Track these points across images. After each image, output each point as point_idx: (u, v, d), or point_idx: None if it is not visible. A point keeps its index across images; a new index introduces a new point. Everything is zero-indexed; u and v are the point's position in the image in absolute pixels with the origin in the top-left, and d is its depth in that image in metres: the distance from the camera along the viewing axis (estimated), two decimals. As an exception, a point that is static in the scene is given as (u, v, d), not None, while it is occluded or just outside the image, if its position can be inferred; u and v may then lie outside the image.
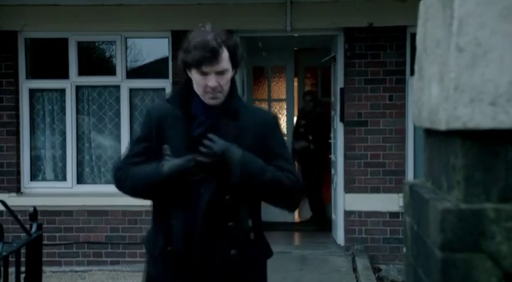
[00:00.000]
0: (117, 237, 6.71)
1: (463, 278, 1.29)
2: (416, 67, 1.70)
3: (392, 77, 6.59)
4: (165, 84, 6.86)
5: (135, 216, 6.70)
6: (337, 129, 6.90)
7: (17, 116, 6.85)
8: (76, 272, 6.60)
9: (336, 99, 7.01)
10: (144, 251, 6.55)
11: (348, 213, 6.68)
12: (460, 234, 1.30)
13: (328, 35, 6.98)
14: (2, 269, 2.15)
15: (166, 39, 6.85)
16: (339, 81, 6.84)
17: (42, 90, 7.00)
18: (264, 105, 8.74)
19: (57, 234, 6.67)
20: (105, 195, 6.77)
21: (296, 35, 6.85)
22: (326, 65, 7.74)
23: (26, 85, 6.91)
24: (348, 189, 6.68)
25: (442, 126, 1.35)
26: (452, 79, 1.31)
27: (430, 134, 1.60)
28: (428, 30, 1.56)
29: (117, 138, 6.97)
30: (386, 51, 6.59)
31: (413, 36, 6.45)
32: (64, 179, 6.98)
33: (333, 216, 7.27)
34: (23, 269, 2.62)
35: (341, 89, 6.76)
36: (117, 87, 6.93)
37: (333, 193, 7.28)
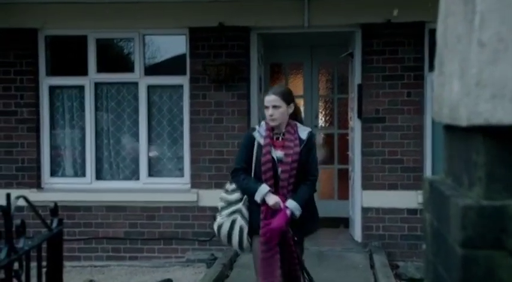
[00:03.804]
0: (136, 232, 6.77)
1: (484, 275, 1.28)
2: (436, 63, 1.68)
3: (410, 73, 6.54)
4: (183, 81, 6.88)
5: (153, 212, 6.74)
6: (355, 126, 6.87)
7: (37, 113, 6.93)
8: (95, 267, 6.66)
9: (353, 95, 6.98)
10: (162, 246, 6.60)
11: (365, 210, 6.66)
12: (481, 231, 1.29)
13: (345, 31, 6.95)
14: (24, 263, 2.17)
15: (184, 36, 6.87)
16: (356, 77, 6.82)
17: (62, 87, 7.07)
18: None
19: (77, 230, 6.74)
20: (124, 191, 6.84)
21: (313, 31, 6.83)
22: (343, 61, 7.71)
23: (46, 82, 6.99)
24: (366, 186, 6.65)
25: (463, 122, 1.34)
26: (474, 75, 1.30)
27: (451, 130, 1.59)
28: (449, 26, 1.54)
29: (135, 134, 7.01)
30: (405, 48, 6.55)
31: (431, 32, 6.40)
32: (83, 175, 7.04)
33: (350, 213, 7.25)
34: (44, 263, 2.65)
35: (359, 86, 6.73)
36: (135, 84, 6.97)
37: (351, 190, 7.26)
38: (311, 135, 4.03)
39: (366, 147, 6.66)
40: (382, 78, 6.58)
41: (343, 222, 7.61)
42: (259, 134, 4.00)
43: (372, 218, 6.63)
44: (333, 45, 7.96)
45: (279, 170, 3.89)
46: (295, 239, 3.94)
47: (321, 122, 8.83)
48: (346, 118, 8.15)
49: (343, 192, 8.14)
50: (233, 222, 3.99)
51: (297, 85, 8.72)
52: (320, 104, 8.84)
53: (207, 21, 6.65)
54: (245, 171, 4.01)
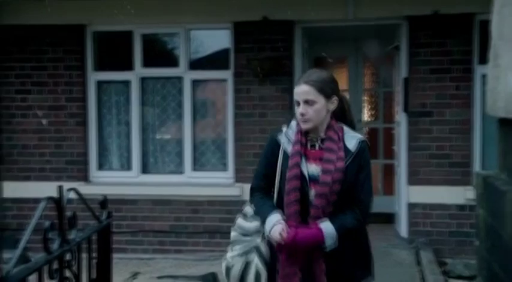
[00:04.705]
0: (181, 226, 6.84)
1: (542, 274, 1.24)
2: (491, 55, 1.63)
3: (459, 66, 6.39)
4: (227, 76, 6.91)
5: (197, 206, 6.80)
6: (401, 120, 6.76)
7: (85, 107, 7.08)
8: (141, 259, 6.76)
9: (399, 89, 6.87)
10: (206, 240, 6.62)
11: (411, 206, 6.55)
12: (539, 228, 1.24)
13: (391, 24, 6.84)
14: (76, 254, 2.23)
15: (228, 31, 6.89)
16: (402, 71, 6.70)
17: (109, 82, 7.19)
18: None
19: (124, 222, 6.86)
20: (169, 185, 6.92)
21: (358, 24, 6.74)
22: (388, 54, 7.60)
23: (94, 77, 7.12)
24: (412, 181, 6.54)
25: (521, 115, 1.29)
26: (532, 66, 1.25)
27: (506, 123, 1.54)
28: (504, 17, 1.49)
29: (180, 129, 7.08)
30: (453, 40, 6.40)
31: (481, 23, 6.23)
32: (129, 168, 7.16)
33: (396, 208, 7.14)
34: (94, 254, 2.70)
35: (405, 79, 6.61)
36: (180, 79, 7.04)
37: (396, 185, 7.16)
38: (363, 145, 2.73)
39: (412, 142, 6.54)
40: (430, 72, 6.45)
41: (389, 218, 7.51)
42: (287, 139, 2.78)
43: (419, 214, 6.52)
44: (379, 38, 7.85)
45: (311, 192, 2.65)
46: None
47: (366, 116, 8.73)
48: (391, 112, 8.04)
49: (388, 187, 8.03)
50: (247, 265, 2.78)
51: (341, 79, 8.65)
52: (365, 98, 8.74)
53: (251, 15, 6.65)
54: (265, 190, 2.86)
